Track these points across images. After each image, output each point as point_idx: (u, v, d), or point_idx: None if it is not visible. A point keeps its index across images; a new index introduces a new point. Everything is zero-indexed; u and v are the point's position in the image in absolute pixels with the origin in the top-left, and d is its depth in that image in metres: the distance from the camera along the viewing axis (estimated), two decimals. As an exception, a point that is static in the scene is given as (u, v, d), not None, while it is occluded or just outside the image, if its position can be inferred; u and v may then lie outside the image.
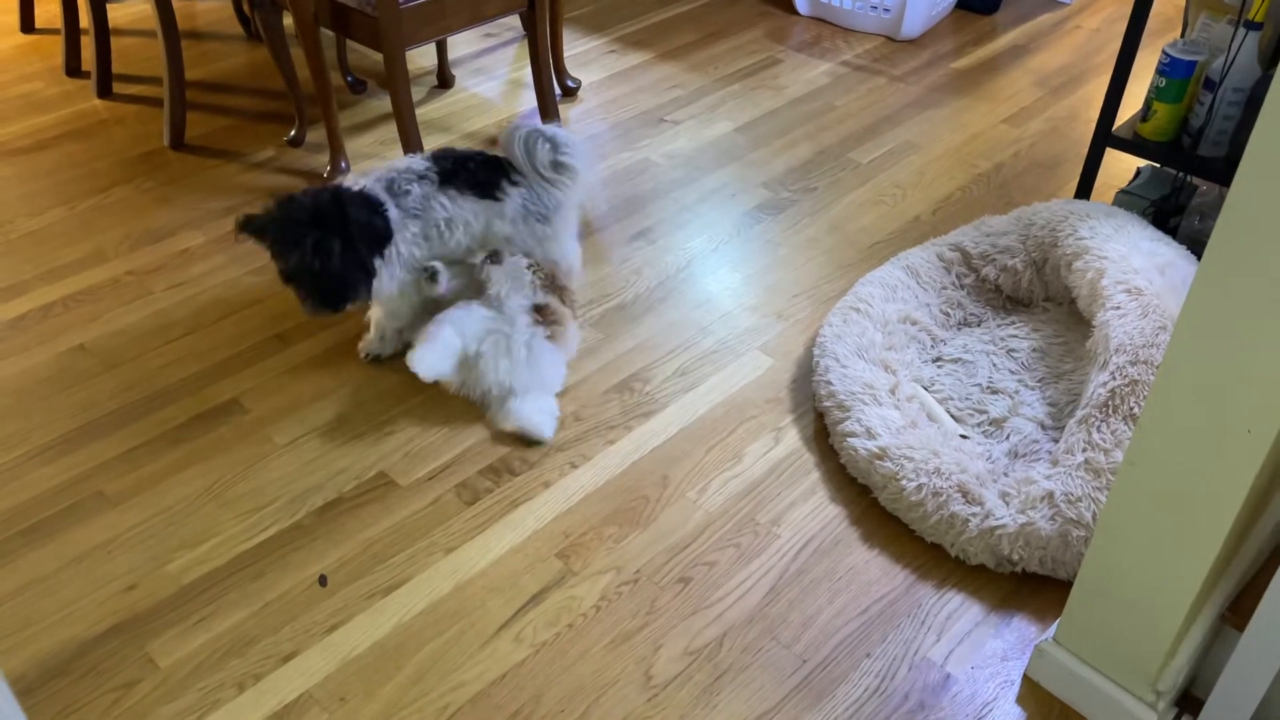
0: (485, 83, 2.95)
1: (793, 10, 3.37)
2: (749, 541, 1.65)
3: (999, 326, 2.01)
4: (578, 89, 2.89)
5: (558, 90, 2.86)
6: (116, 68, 2.90)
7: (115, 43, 3.03)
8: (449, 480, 1.74)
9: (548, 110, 2.54)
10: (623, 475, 1.76)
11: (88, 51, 2.81)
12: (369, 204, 1.78)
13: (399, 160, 1.88)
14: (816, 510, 1.70)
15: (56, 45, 3.00)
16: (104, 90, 2.81)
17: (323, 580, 1.57)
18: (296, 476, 1.74)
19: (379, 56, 2.31)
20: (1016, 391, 1.85)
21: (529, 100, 2.84)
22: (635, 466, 1.77)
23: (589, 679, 1.45)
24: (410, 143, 2.29)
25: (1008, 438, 1.77)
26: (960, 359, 1.94)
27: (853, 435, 1.73)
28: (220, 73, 2.96)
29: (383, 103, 2.81)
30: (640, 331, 2.06)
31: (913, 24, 3.16)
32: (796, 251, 2.29)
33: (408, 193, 1.82)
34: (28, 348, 1.99)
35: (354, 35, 2.27)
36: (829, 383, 1.82)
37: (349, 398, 1.88)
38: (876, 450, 1.69)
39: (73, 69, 2.91)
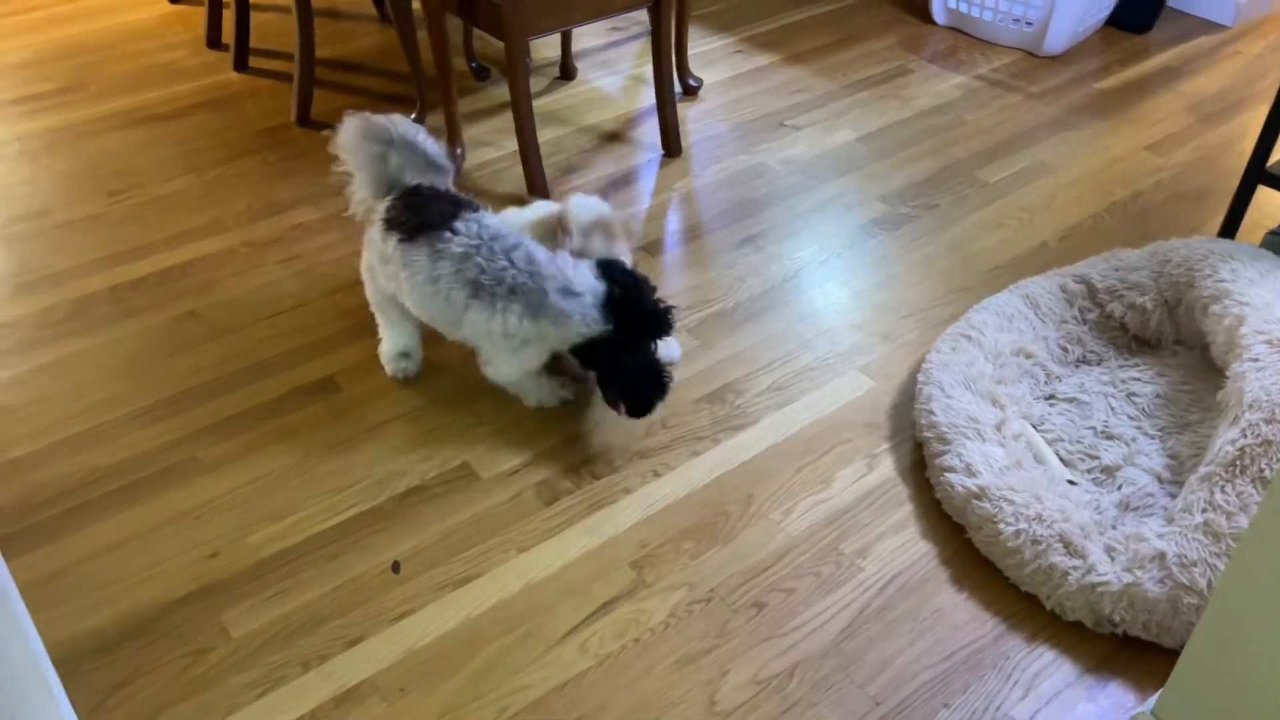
0: (607, 76, 2.93)
1: (929, 19, 3.25)
2: (831, 571, 1.58)
3: (1121, 367, 1.89)
4: (699, 88, 2.85)
5: (679, 89, 2.82)
6: (255, 42, 2.99)
7: (255, 18, 3.12)
8: (530, 477, 1.72)
9: (666, 109, 2.50)
10: (706, 489, 1.71)
11: (229, 25, 2.89)
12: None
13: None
14: (906, 545, 1.62)
15: (200, 17, 3.10)
16: (241, 64, 2.90)
17: (396, 567, 1.57)
18: (382, 459, 1.75)
19: (503, 45, 2.31)
20: (1134, 439, 1.73)
21: (648, 97, 2.81)
22: (719, 481, 1.72)
23: (651, 697, 1.41)
24: (524, 133, 2.28)
25: (1119, 488, 1.66)
26: (1075, 399, 1.83)
27: (951, 470, 1.65)
28: (351, 52, 3.01)
29: (504, 91, 2.82)
30: (739, 341, 2.01)
31: (1057, 39, 3.01)
32: (910, 270, 2.20)
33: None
34: (145, 310, 2.06)
35: (478, 22, 2.28)
36: (931, 412, 1.74)
37: (442, 385, 1.88)
38: (975, 489, 1.60)
39: (213, 41, 3.01)
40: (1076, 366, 1.91)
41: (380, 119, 1.71)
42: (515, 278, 1.64)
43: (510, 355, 1.72)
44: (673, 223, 2.34)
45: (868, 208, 2.39)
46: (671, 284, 2.15)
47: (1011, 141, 2.65)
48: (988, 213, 2.39)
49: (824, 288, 2.15)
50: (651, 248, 2.25)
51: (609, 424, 1.82)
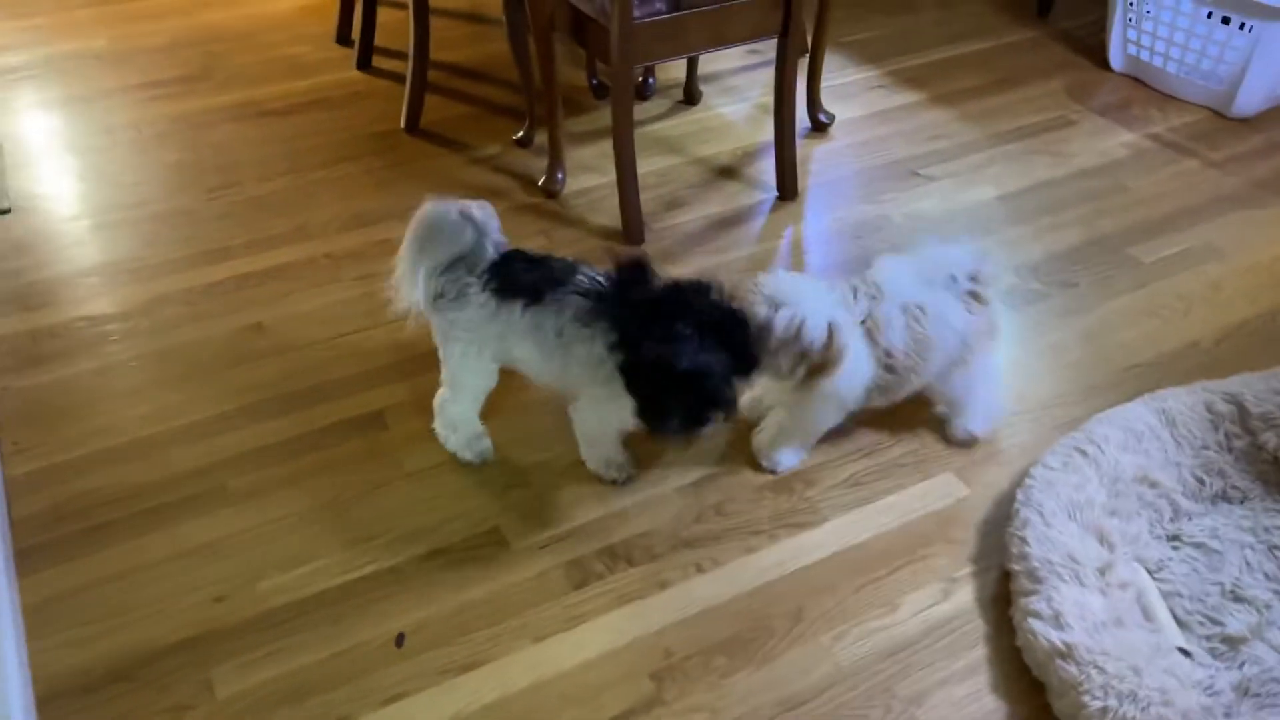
0: (733, 104, 2.75)
1: (1104, 64, 2.93)
2: (879, 717, 1.37)
3: (1268, 511, 1.60)
4: (830, 124, 2.63)
5: (807, 124, 2.61)
6: (382, 41, 2.94)
7: (384, 15, 3.07)
8: (562, 554, 1.58)
9: (785, 147, 2.31)
10: (752, 595, 1.52)
11: (358, 21, 2.86)
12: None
13: None
14: (971, 697, 1.40)
15: (333, 11, 3.09)
16: (363, 63, 2.86)
17: (400, 640, 1.45)
18: (412, 512, 1.63)
19: (610, 69, 2.16)
20: (1269, 605, 1.45)
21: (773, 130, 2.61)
22: (769, 587, 1.54)
23: (642, 843, 1.24)
24: (623, 168, 2.13)
25: (1241, 666, 1.38)
26: (1205, 544, 1.55)
27: (1037, 617, 1.41)
28: (476, 58, 2.93)
29: (622, 111, 2.68)
30: (821, 422, 1.81)
31: (1250, 99, 2.66)
32: (1033, 358, 1.95)
33: None
34: (215, 316, 2.02)
35: (587, 45, 2.14)
36: (1024, 541, 1.50)
37: (490, 436, 1.75)
38: (1062, 645, 1.36)
39: (343, 37, 2.98)
40: (1213, 503, 1.63)
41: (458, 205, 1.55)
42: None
43: (596, 401, 1.58)
44: (773, 275, 2.14)
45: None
46: (758, 346, 1.96)
47: (1177, 216, 2.33)
48: (1136, 298, 2.10)
49: (929, 369, 1.92)
50: (745, 302, 2.07)
51: (659, 503, 1.66)
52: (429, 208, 1.53)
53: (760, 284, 1.57)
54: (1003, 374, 1.84)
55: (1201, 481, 1.63)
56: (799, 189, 2.39)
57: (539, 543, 1.59)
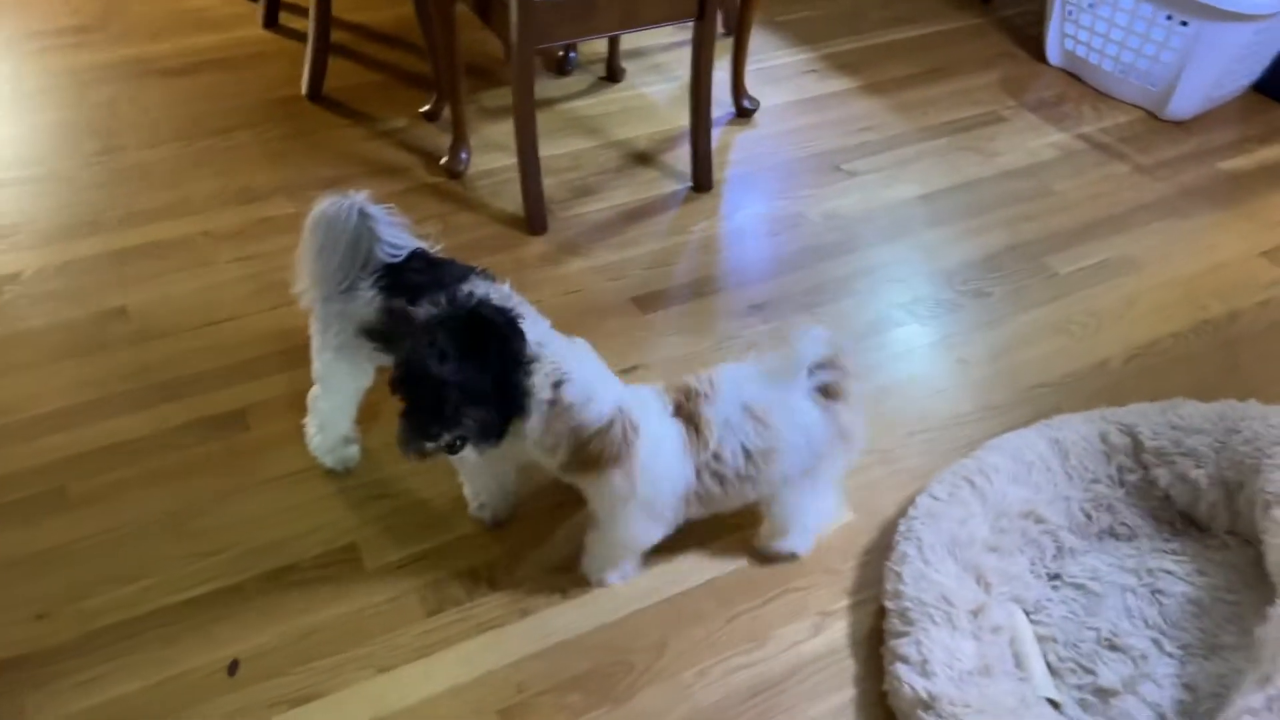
0: (658, 83, 2.63)
1: (1041, 56, 2.85)
2: (732, 763, 1.31)
3: (1154, 552, 1.55)
4: (754, 111, 2.53)
5: (731, 109, 2.51)
6: (293, -3, 2.78)
7: (299, -30, 2.92)
8: (420, 575, 1.49)
9: (700, 136, 2.20)
10: (616, 625, 1.45)
11: (267, -24, 2.70)
12: None
13: None
14: (831, 745, 1.34)
15: (246, -37, 2.92)
16: (270, 20, 2.70)
17: (233, 668, 1.36)
18: (264, 524, 1.54)
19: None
20: (1145, 656, 1.41)
21: (695, 114, 2.51)
22: (636, 617, 1.46)
23: None
24: (525, 153, 2.02)
25: (1111, 722, 1.34)
26: (1085, 585, 1.50)
27: (904, 661, 1.35)
28: (385, 20, 2.79)
29: (540, 86, 2.55)
30: (709, 437, 1.73)
31: (1185, 102, 2.59)
32: (936, 373, 1.88)
33: None
34: (73, 296, 1.89)
35: (488, 21, 2.01)
36: (900, 577, 1.44)
37: (361, 442, 1.66)
38: (925, 695, 1.30)
39: (252, -9, 2.82)
40: (1099, 540, 1.58)
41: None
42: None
43: None
44: (679, 274, 2.05)
45: (906, 286, 2.06)
46: (657, 349, 1.87)
47: (1100, 225, 2.27)
48: (1048, 312, 2.03)
49: (827, 382, 1.84)
50: (644, 301, 1.98)
51: (529, 522, 1.58)
52: (326, 206, 1.40)
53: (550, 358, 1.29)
54: (843, 477, 1.57)
55: (1089, 517, 1.58)
56: (715, 180, 2.29)
57: (397, 562, 1.51)
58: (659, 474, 1.35)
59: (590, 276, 2.02)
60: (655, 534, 1.45)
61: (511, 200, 2.18)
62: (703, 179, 2.25)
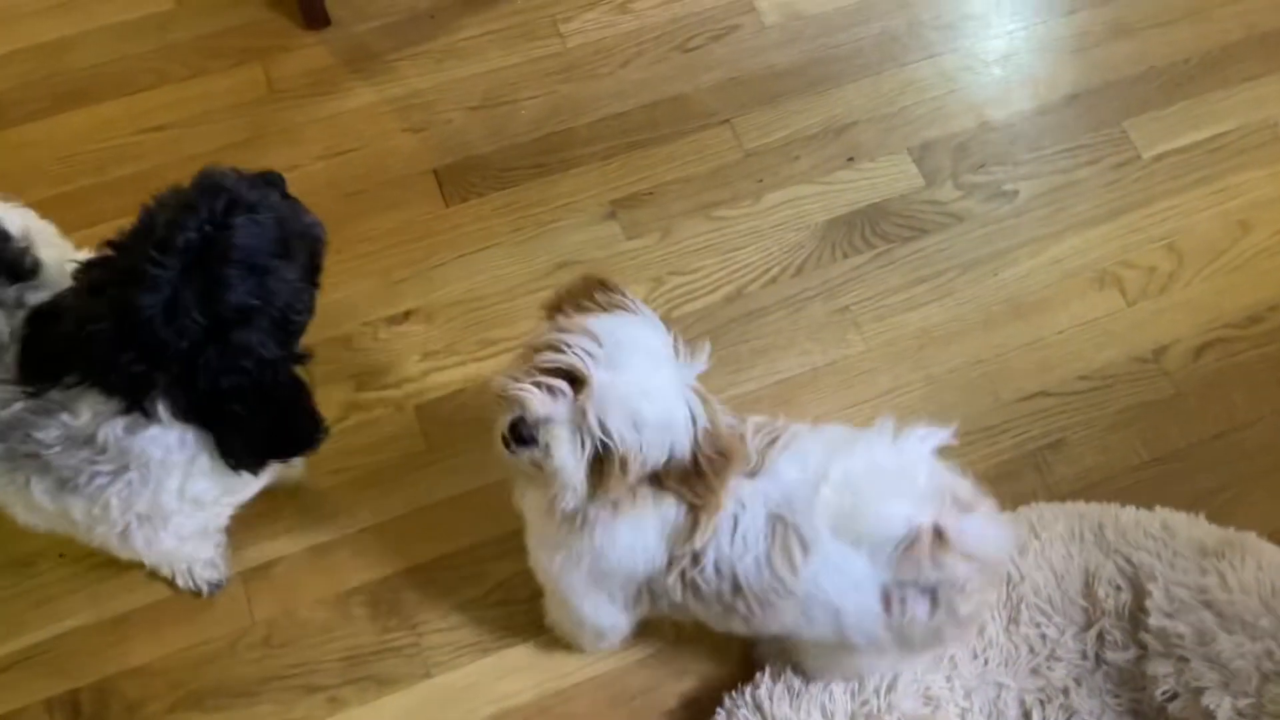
0: None
1: None
2: None
3: None
4: None
5: None
6: None
7: None
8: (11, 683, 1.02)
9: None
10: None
11: None
12: None
13: None
14: None
15: None
16: None
17: None
18: None
19: None
20: None
21: None
22: None
23: None
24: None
25: None
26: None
27: None
28: None
29: None
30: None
31: None
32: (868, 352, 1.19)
33: None
34: None
35: None
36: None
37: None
38: None
39: None
40: None
41: None
42: None
43: None
44: (526, 123, 1.30)
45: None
46: (457, 277, 1.20)
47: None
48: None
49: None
50: (453, 175, 1.26)
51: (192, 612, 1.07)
52: None
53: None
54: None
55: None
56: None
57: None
58: (615, 533, 0.85)
59: (379, 119, 1.29)
60: (606, 613, 0.96)
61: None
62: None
